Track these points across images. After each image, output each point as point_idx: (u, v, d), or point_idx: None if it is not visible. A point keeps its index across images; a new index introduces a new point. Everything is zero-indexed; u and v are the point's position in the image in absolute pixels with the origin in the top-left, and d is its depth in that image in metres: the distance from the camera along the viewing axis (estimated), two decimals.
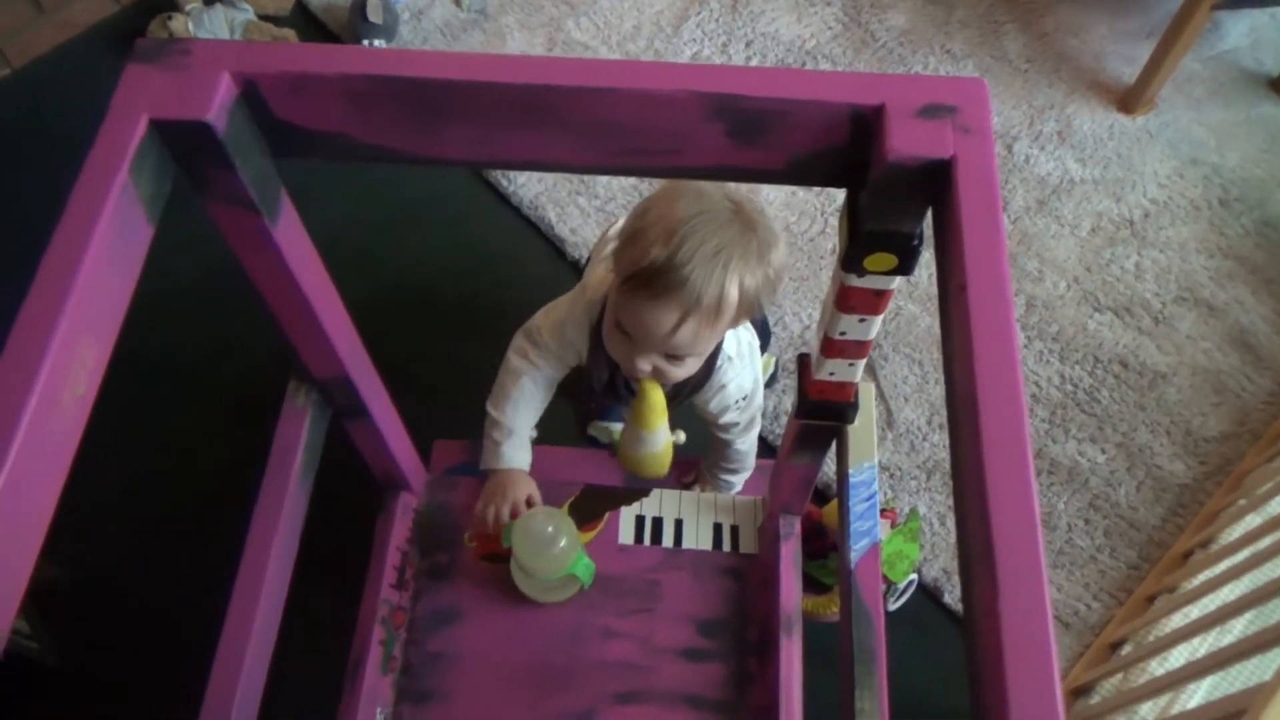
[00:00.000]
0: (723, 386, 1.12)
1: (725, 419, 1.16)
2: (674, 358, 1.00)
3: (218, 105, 0.61)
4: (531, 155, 0.65)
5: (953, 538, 1.44)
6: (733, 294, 0.94)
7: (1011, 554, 0.47)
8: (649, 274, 0.92)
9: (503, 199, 1.74)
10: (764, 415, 1.50)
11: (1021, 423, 0.49)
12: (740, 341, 1.14)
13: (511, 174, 1.74)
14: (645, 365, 1.00)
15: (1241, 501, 1.39)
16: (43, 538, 0.52)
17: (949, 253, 0.57)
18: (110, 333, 0.57)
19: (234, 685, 0.84)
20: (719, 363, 1.10)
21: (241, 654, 0.84)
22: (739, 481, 1.27)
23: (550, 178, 1.74)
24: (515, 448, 1.17)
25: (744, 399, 1.15)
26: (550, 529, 1.08)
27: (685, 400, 1.16)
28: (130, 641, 1.36)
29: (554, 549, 1.08)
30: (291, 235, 0.73)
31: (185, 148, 0.62)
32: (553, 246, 1.69)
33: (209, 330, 1.58)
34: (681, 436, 1.26)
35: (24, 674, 1.31)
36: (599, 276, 1.10)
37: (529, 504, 1.18)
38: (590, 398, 1.23)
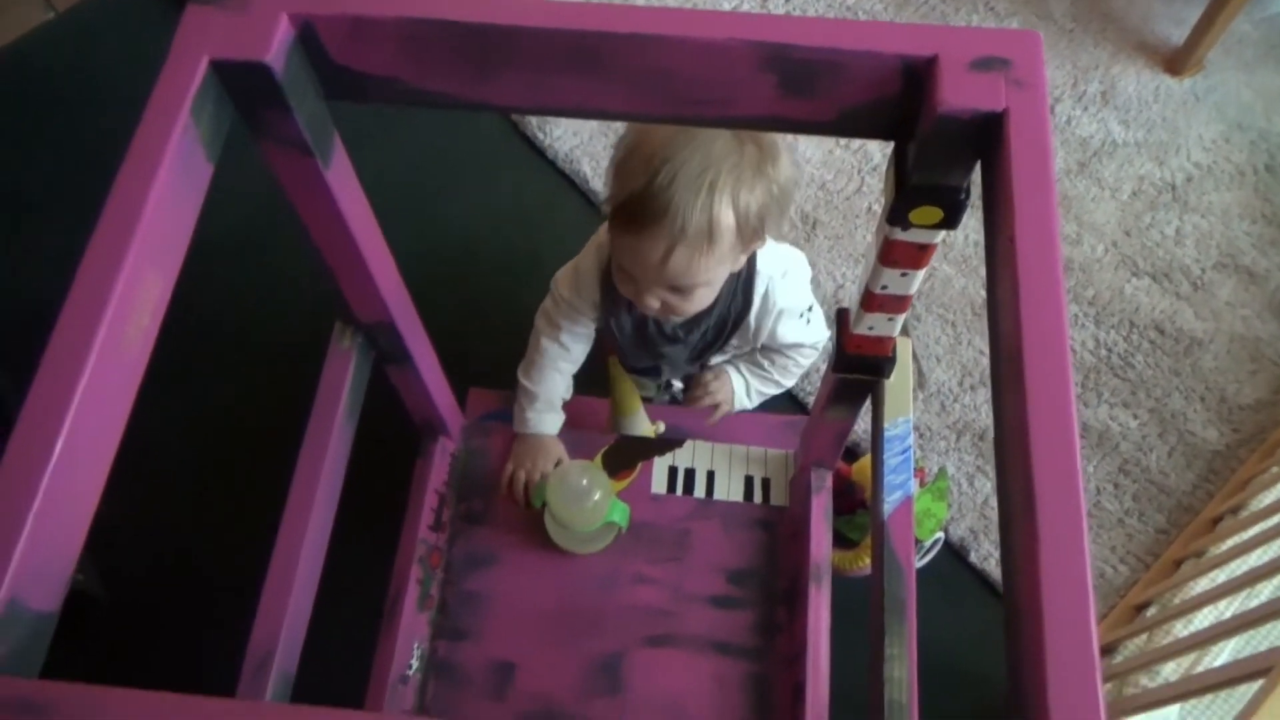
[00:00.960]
0: (781, 311, 1.08)
1: (792, 339, 1.12)
2: (678, 290, 0.95)
3: (276, 47, 0.61)
4: (582, 102, 0.65)
5: (980, 498, 1.45)
6: (725, 217, 0.88)
7: (1052, 505, 0.48)
8: (631, 205, 0.88)
9: (539, 152, 1.75)
10: None
11: (1066, 375, 0.49)
12: (785, 259, 1.09)
13: (548, 127, 1.75)
14: (652, 301, 0.97)
15: (1275, 469, 1.39)
16: (108, 470, 0.54)
17: (998, 206, 0.57)
18: (173, 268, 0.59)
19: (280, 620, 0.86)
20: (758, 286, 1.06)
21: (287, 589, 0.87)
22: (767, 392, 1.22)
23: (586, 132, 1.74)
24: (541, 413, 1.18)
25: (808, 310, 1.12)
26: (584, 482, 1.10)
27: (731, 338, 1.11)
28: (174, 577, 1.40)
29: (589, 501, 1.09)
30: (343, 179, 0.74)
31: (243, 88, 0.63)
32: (587, 200, 1.70)
33: (249, 278, 1.60)
34: (661, 426, 1.28)
35: (67, 605, 1.36)
36: (606, 234, 1.09)
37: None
38: (624, 355, 1.23)
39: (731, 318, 1.09)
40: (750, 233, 0.93)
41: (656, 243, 0.90)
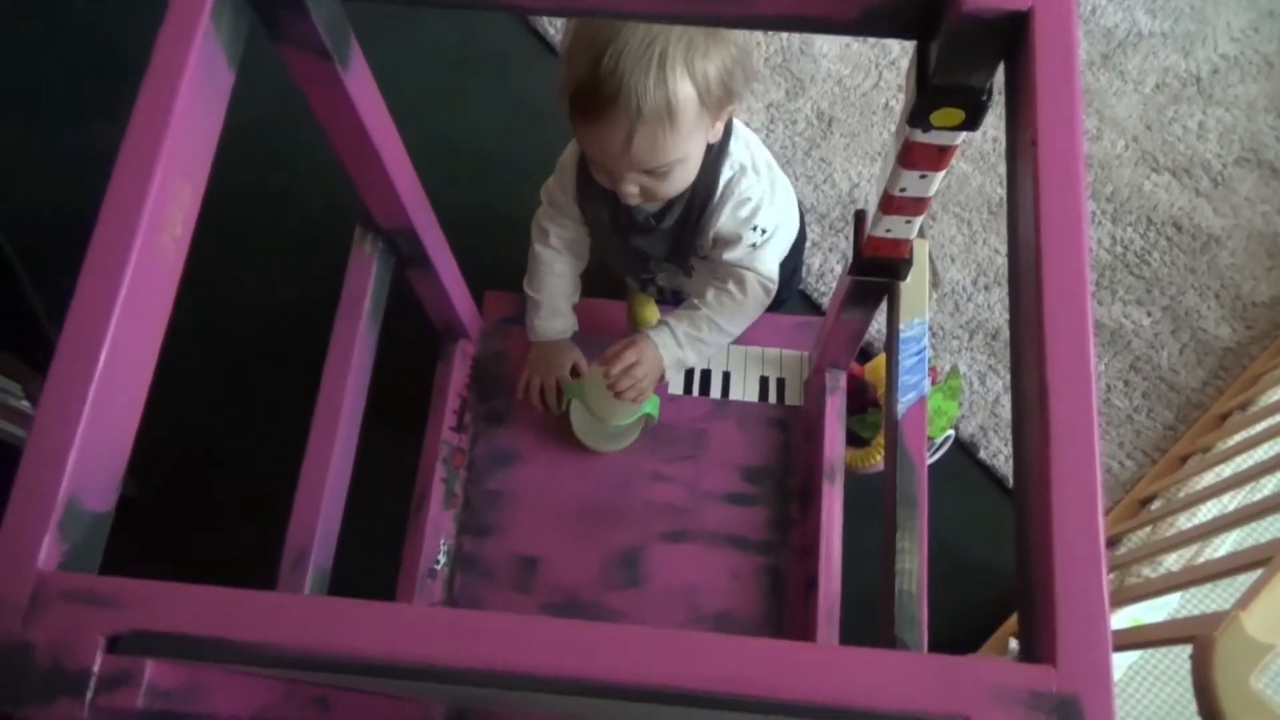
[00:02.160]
0: (741, 201, 1.02)
1: (733, 245, 1.05)
2: (651, 173, 0.92)
3: None
4: (602, 2, 0.64)
5: (991, 396, 1.47)
6: (683, 89, 0.85)
7: (1065, 405, 0.49)
8: (582, 95, 0.86)
9: (551, 49, 1.71)
10: (809, 273, 1.52)
11: (1083, 277, 0.50)
12: (758, 160, 1.06)
13: (559, 22, 1.71)
14: (630, 188, 0.94)
15: None
16: (151, 374, 0.56)
17: (1021, 107, 0.57)
18: (201, 175, 0.60)
19: (314, 517, 0.90)
20: (724, 171, 1.02)
21: (320, 488, 0.90)
22: (692, 358, 1.09)
23: None
24: (547, 320, 1.18)
25: (762, 230, 1.05)
26: None
27: (700, 226, 1.06)
28: (204, 477, 1.45)
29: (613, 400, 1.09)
30: (362, 83, 0.74)
31: None
32: None
33: (264, 179, 1.60)
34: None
35: None
36: None
37: (574, 373, 1.20)
38: (606, 254, 1.21)
39: (698, 201, 1.04)
40: (716, 100, 0.90)
41: (616, 128, 0.86)
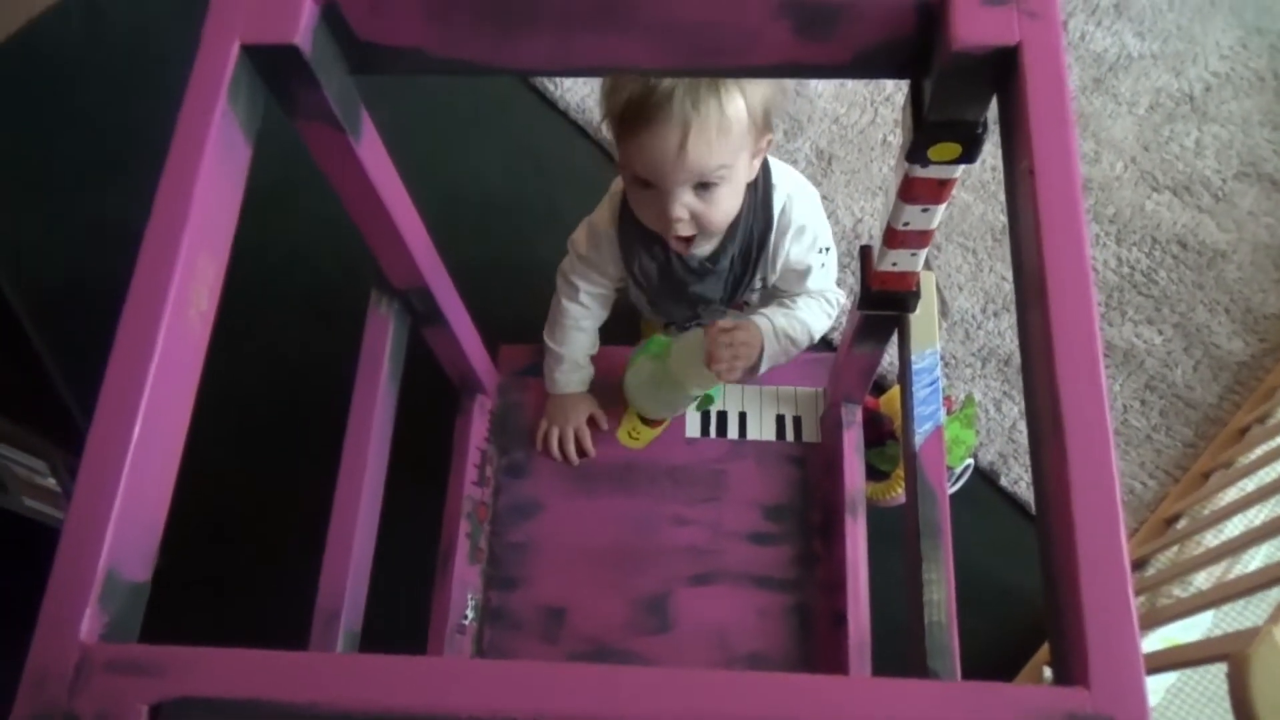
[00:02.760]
0: (800, 228, 1.07)
1: (805, 274, 1.10)
2: (703, 188, 0.95)
3: (303, 27, 0.63)
4: (605, 60, 0.66)
5: (1008, 422, 1.48)
6: (735, 101, 0.89)
7: (1079, 423, 0.50)
8: (635, 104, 0.89)
9: (550, 104, 1.75)
10: None
11: (1089, 302, 0.51)
12: (798, 179, 1.10)
13: (557, 79, 1.75)
14: (680, 211, 0.95)
15: None
16: (183, 444, 0.58)
17: (1016, 137, 0.58)
18: (224, 249, 0.62)
19: (342, 579, 0.91)
20: (777, 200, 1.06)
21: (347, 549, 0.91)
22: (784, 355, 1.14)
23: (595, 81, 1.74)
24: (568, 374, 1.21)
25: (825, 250, 1.10)
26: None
27: (758, 265, 1.09)
28: (229, 544, 1.46)
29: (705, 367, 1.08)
30: (373, 150, 0.76)
31: (274, 70, 0.65)
32: (601, 149, 1.71)
33: (279, 245, 1.63)
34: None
35: None
36: (618, 184, 1.10)
37: (591, 423, 1.23)
38: (657, 309, 1.23)
39: (755, 238, 1.08)
40: (760, 123, 0.93)
41: (670, 130, 0.89)
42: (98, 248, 1.63)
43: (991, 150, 1.66)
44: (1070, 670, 0.47)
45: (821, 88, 1.72)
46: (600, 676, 0.47)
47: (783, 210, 1.06)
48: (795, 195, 1.07)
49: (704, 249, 1.08)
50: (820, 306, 1.15)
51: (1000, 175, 1.65)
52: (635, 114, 0.90)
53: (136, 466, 0.51)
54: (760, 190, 1.05)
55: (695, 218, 0.97)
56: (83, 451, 0.51)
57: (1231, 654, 0.77)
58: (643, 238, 1.04)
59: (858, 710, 0.46)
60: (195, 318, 0.58)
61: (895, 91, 1.71)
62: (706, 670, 0.47)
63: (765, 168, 1.05)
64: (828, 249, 1.12)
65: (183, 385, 0.56)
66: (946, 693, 0.47)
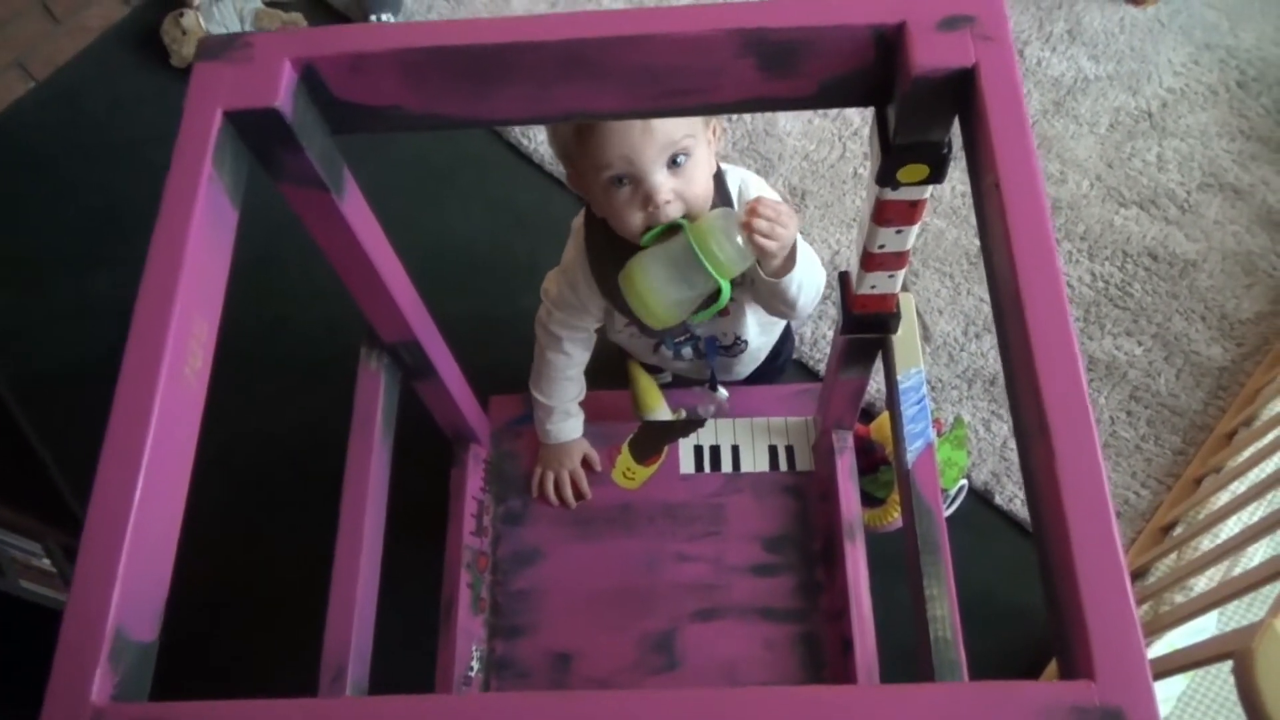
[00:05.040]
0: (759, 195, 1.01)
1: None
2: (675, 166, 0.95)
3: (283, 91, 0.65)
4: (578, 106, 0.69)
5: (998, 441, 1.49)
6: None
7: (1064, 423, 0.51)
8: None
9: (524, 158, 1.78)
10: (802, 341, 1.55)
11: (1062, 301, 0.53)
12: (745, 171, 1.11)
13: (531, 132, 1.78)
14: (665, 193, 0.95)
15: None
16: (184, 503, 0.58)
17: (979, 154, 0.60)
18: (215, 310, 0.63)
19: (347, 635, 0.90)
20: (732, 185, 1.06)
21: (350, 606, 0.91)
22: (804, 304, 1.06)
23: None
24: (559, 422, 1.21)
25: None
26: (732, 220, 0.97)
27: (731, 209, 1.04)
28: (235, 608, 1.44)
29: (737, 237, 0.96)
30: (357, 209, 0.78)
31: (257, 134, 0.67)
32: (577, 200, 1.72)
33: (265, 311, 1.64)
34: (683, 414, 1.30)
35: None
36: (578, 220, 1.11)
37: (585, 466, 1.23)
38: (656, 334, 1.22)
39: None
40: None
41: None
42: (85, 331, 1.64)
43: (961, 178, 1.70)
44: (1075, 664, 0.48)
45: (790, 126, 1.75)
46: (609, 703, 0.48)
47: (739, 192, 1.07)
48: (748, 178, 1.09)
49: None
50: (809, 252, 1.05)
51: (970, 200, 1.69)
52: (589, 122, 0.93)
53: (140, 524, 0.52)
54: (716, 181, 1.05)
55: (678, 196, 0.97)
56: (78, 532, 0.52)
57: (1236, 650, 0.78)
58: (615, 258, 1.03)
59: (868, 717, 0.46)
60: (191, 376, 0.59)
61: (862, 125, 1.75)
62: (714, 689, 0.47)
63: (719, 170, 1.06)
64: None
65: (182, 442, 0.57)
66: (953, 693, 0.47)
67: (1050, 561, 0.51)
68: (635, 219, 0.98)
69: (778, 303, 1.05)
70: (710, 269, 0.95)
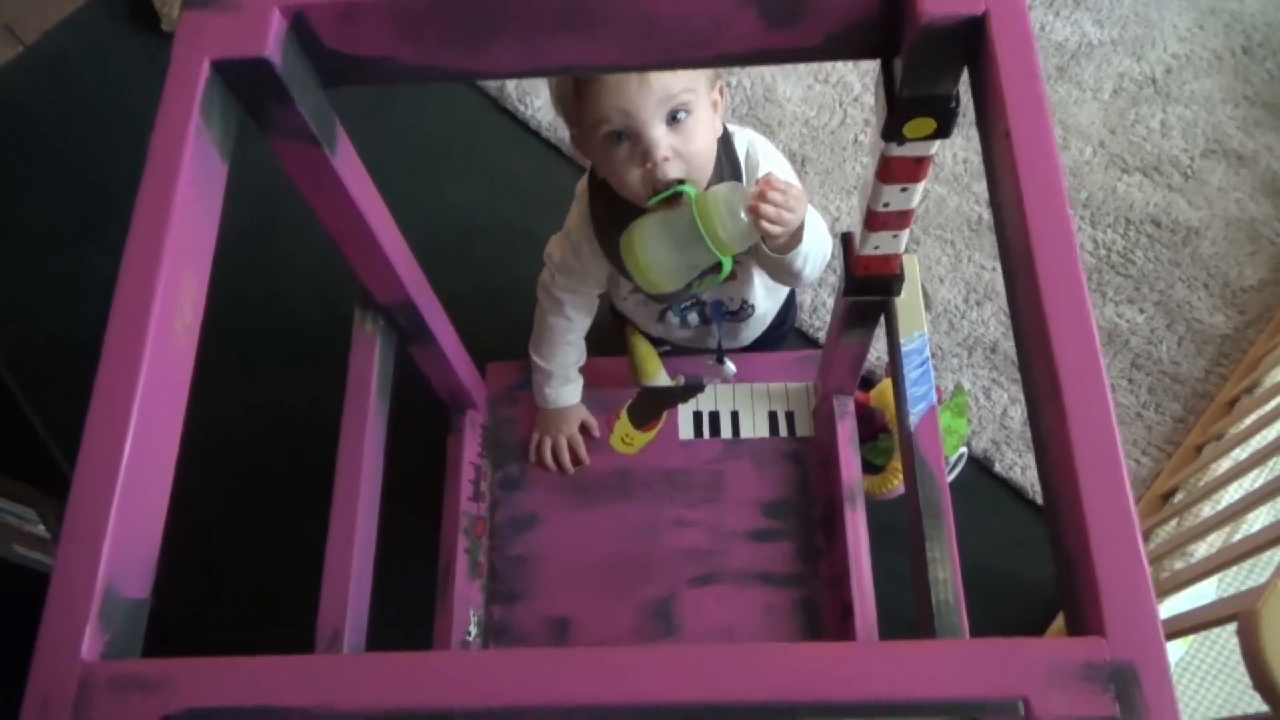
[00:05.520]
0: (769, 167, 1.04)
1: None
2: (675, 123, 0.93)
3: (272, 40, 0.63)
4: (574, 59, 0.67)
5: (998, 409, 1.48)
6: None
7: (1077, 381, 0.50)
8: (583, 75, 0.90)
9: (522, 125, 1.76)
10: (802, 309, 1.54)
11: (1073, 252, 0.51)
12: (752, 133, 1.09)
13: (528, 99, 1.75)
14: (664, 150, 0.93)
15: None
16: (175, 459, 0.57)
17: (990, 105, 0.59)
18: (204, 266, 0.61)
19: (343, 600, 0.89)
20: (739, 148, 1.05)
21: (346, 571, 0.90)
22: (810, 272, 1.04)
23: None
24: (558, 387, 1.20)
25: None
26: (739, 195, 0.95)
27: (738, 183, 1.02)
28: (232, 584, 1.44)
29: (743, 214, 0.94)
30: (350, 165, 0.76)
31: (246, 85, 0.65)
32: (575, 166, 1.71)
33: (256, 286, 1.62)
34: (681, 380, 1.29)
35: None
36: (582, 184, 1.10)
37: (583, 431, 1.23)
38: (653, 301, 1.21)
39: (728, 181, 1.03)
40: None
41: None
42: (76, 303, 1.62)
43: (963, 144, 1.68)
44: (1085, 620, 0.47)
45: (790, 92, 1.73)
46: (607, 660, 0.47)
47: (747, 154, 1.05)
48: (755, 141, 1.07)
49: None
50: (816, 220, 1.04)
51: (972, 168, 1.67)
52: (587, 78, 0.91)
53: (130, 479, 0.51)
54: (723, 144, 1.04)
55: (678, 154, 0.95)
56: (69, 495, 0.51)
57: (1241, 612, 0.77)
58: (619, 221, 1.01)
59: (875, 673, 0.45)
60: (180, 331, 0.58)
61: (864, 92, 1.73)
62: (721, 647, 0.46)
63: (725, 129, 1.04)
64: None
65: (172, 398, 0.56)
66: (963, 651, 0.47)
67: (1060, 519, 0.50)
68: (634, 176, 0.96)
69: (782, 273, 1.04)
70: (711, 245, 0.93)
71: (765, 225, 0.91)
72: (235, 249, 1.59)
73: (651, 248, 0.97)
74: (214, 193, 0.63)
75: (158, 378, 0.54)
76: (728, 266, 0.97)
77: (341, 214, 0.79)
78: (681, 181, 0.96)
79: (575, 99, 0.94)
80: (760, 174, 1.04)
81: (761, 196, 0.91)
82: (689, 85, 0.93)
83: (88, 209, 1.73)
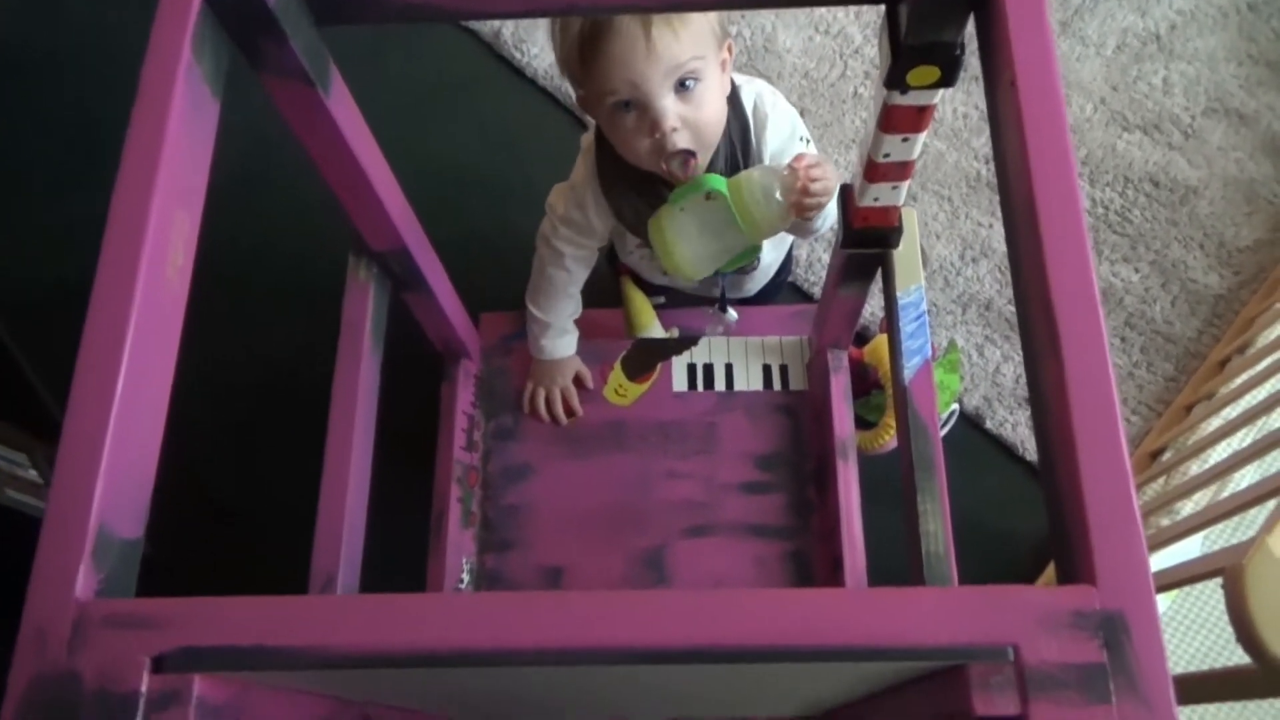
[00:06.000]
0: (777, 119, 1.04)
1: (792, 153, 1.01)
2: (684, 90, 0.92)
3: None
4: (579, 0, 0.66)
5: (990, 367, 1.48)
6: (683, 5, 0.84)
7: (1075, 333, 0.50)
8: (590, 29, 0.88)
9: (518, 73, 1.73)
10: (797, 264, 1.53)
11: (1076, 204, 0.51)
12: (759, 82, 1.07)
13: (524, 46, 1.73)
14: (672, 119, 0.92)
15: (1278, 305, 1.41)
16: (168, 400, 0.57)
17: (996, 52, 0.58)
18: (197, 205, 0.60)
19: (337, 545, 0.90)
20: (746, 100, 1.03)
21: (340, 516, 0.90)
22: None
23: None
24: (554, 338, 1.19)
25: (806, 140, 1.06)
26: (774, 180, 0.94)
27: (749, 163, 1.03)
28: (224, 530, 1.44)
29: (777, 198, 0.93)
30: (344, 106, 0.75)
31: (238, 20, 0.63)
32: (572, 117, 1.69)
33: (247, 231, 1.60)
34: (675, 332, 1.28)
35: None
36: (588, 137, 1.08)
37: (577, 383, 1.22)
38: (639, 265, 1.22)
39: (739, 142, 1.04)
40: (717, 24, 0.92)
41: (632, 37, 0.87)
42: (68, 247, 1.60)
43: (963, 98, 1.66)
44: (1075, 569, 0.47)
45: (790, 44, 1.71)
46: (599, 603, 0.47)
47: (755, 106, 1.04)
48: (763, 91, 1.05)
49: (701, 168, 1.01)
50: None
51: (972, 123, 1.65)
52: (593, 33, 0.89)
53: (123, 419, 0.50)
54: (730, 98, 1.02)
55: (686, 124, 0.94)
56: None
57: (1227, 567, 0.78)
58: (627, 179, 1.01)
59: (867, 619, 0.46)
60: (173, 273, 0.57)
61: (864, 44, 1.71)
62: (712, 591, 0.47)
63: (733, 84, 1.03)
64: (807, 139, 1.07)
65: (164, 340, 0.55)
66: (953, 598, 0.47)
67: (1055, 468, 0.50)
68: (642, 146, 0.95)
69: (801, 234, 1.04)
70: (748, 233, 0.93)
71: (809, 213, 0.93)
72: (228, 193, 1.57)
73: (685, 239, 0.97)
74: (206, 131, 0.62)
75: (150, 319, 0.53)
76: (762, 250, 0.97)
77: (335, 157, 0.78)
78: (693, 154, 0.95)
79: (581, 66, 0.92)
80: (769, 127, 1.04)
81: (805, 191, 0.92)
82: (697, 53, 0.91)
83: (79, 149, 1.70)
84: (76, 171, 1.68)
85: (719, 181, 0.95)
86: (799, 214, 0.93)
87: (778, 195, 0.92)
